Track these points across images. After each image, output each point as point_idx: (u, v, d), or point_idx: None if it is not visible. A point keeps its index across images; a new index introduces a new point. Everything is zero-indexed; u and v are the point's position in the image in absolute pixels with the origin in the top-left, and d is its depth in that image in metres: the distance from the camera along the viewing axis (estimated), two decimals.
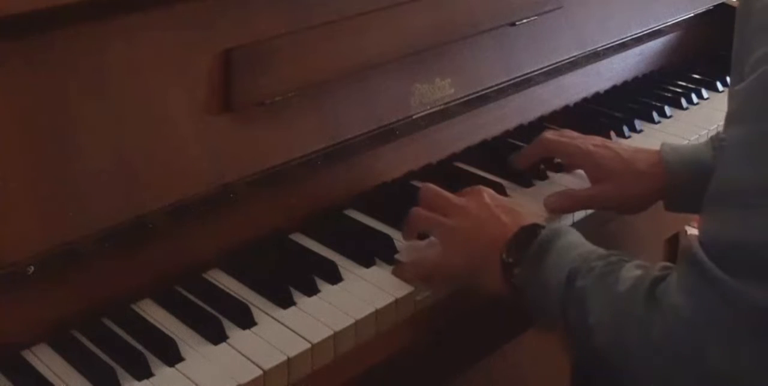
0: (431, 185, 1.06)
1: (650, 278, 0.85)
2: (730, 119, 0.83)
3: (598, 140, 1.18)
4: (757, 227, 0.76)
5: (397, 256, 1.04)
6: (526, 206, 1.09)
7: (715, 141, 1.13)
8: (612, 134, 1.34)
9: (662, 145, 1.16)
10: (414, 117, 1.20)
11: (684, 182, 1.11)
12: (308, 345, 0.91)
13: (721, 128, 1.41)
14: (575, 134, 1.19)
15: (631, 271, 0.87)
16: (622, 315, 0.85)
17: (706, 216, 0.82)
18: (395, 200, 1.16)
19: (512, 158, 1.22)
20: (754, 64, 0.79)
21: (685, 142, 1.35)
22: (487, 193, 1.03)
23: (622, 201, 1.13)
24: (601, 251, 0.93)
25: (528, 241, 0.94)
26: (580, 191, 1.16)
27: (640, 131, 1.39)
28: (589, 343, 0.88)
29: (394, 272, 1.01)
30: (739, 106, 0.82)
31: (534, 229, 0.95)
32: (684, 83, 1.56)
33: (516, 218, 0.98)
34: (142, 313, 0.96)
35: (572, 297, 0.89)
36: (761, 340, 0.76)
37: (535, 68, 1.36)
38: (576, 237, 0.95)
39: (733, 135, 0.81)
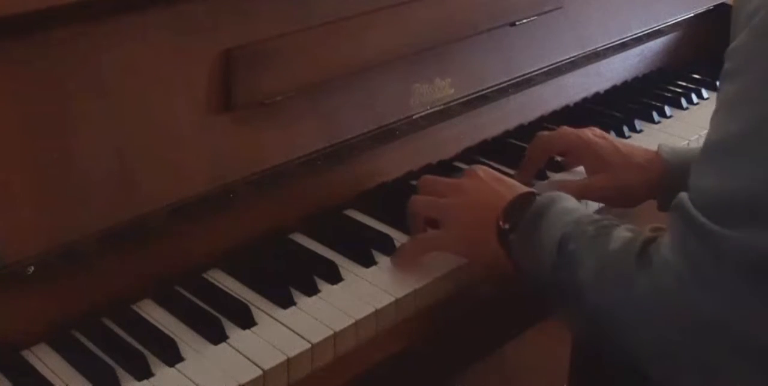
0: (428, 175, 1.08)
1: (642, 238, 0.85)
2: (722, 77, 0.83)
3: (597, 131, 1.19)
4: (742, 175, 0.77)
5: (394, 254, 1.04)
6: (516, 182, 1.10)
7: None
8: (612, 134, 1.34)
9: (660, 145, 1.16)
10: (414, 117, 1.21)
11: (679, 182, 1.11)
12: (308, 345, 0.91)
13: None
14: (570, 129, 1.20)
15: (622, 233, 0.88)
16: (611, 272, 0.85)
17: (695, 171, 0.83)
18: (395, 200, 1.16)
19: (518, 173, 1.23)
20: (744, 21, 0.80)
21: (685, 142, 1.36)
22: (482, 169, 1.05)
23: (616, 192, 1.14)
24: (594, 216, 0.93)
25: (523, 207, 0.95)
26: (574, 182, 1.16)
27: (640, 131, 1.39)
28: (579, 304, 0.88)
29: (394, 260, 1.02)
30: (730, 64, 0.82)
31: (529, 196, 0.96)
32: (684, 83, 1.56)
33: (511, 187, 1.00)
34: (142, 313, 0.96)
35: (564, 260, 0.89)
36: (749, 287, 0.76)
37: (535, 68, 1.36)
38: (571, 203, 0.96)
39: (722, 92, 0.82)
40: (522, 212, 0.95)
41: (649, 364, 0.84)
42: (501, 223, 0.95)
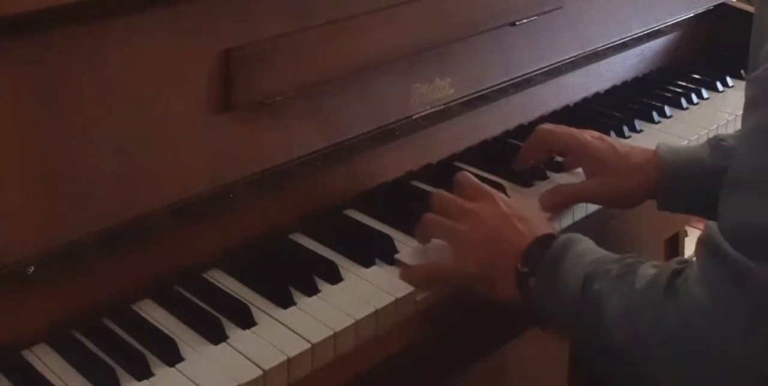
0: (443, 192, 1.05)
1: (669, 271, 0.84)
2: (747, 105, 0.83)
3: (594, 133, 1.18)
4: None
5: (397, 256, 1.04)
6: (535, 208, 1.09)
7: (713, 142, 1.13)
8: (612, 134, 1.34)
9: (659, 144, 1.16)
10: (414, 117, 1.21)
11: (679, 181, 1.11)
12: (308, 345, 0.91)
13: (720, 129, 1.42)
14: (571, 128, 1.20)
15: (648, 269, 0.87)
16: (639, 308, 0.84)
17: (725, 202, 0.82)
18: (395, 200, 1.16)
19: (514, 161, 1.23)
20: None
21: (685, 142, 1.36)
22: (501, 199, 1.02)
23: (613, 195, 1.14)
24: (615, 255, 0.93)
25: (542, 251, 0.94)
26: (570, 186, 1.16)
27: (640, 131, 1.39)
28: (606, 342, 0.87)
29: (402, 276, 1.01)
30: (755, 92, 0.82)
31: (548, 239, 0.95)
32: (684, 83, 1.56)
33: (531, 227, 0.98)
34: (142, 313, 0.96)
35: (589, 300, 0.88)
36: None
37: (535, 68, 1.36)
38: (589, 244, 0.95)
39: (750, 121, 0.81)
40: (541, 255, 0.93)
41: None
42: (519, 266, 0.94)
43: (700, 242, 0.82)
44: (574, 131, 1.18)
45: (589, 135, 1.17)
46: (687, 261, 0.86)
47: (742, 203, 0.79)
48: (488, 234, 0.98)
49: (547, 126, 1.20)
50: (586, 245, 0.94)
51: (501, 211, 0.99)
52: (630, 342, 0.85)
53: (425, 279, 1.00)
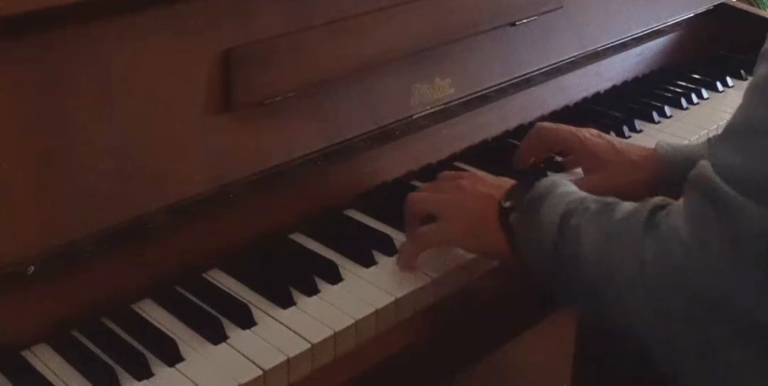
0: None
1: (649, 206, 0.85)
2: (761, 57, 0.83)
3: (593, 130, 1.19)
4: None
5: (398, 256, 1.04)
6: None
7: (712, 140, 1.13)
8: (612, 134, 1.34)
9: (658, 142, 1.16)
10: (414, 117, 1.21)
11: (677, 178, 1.11)
12: (308, 345, 0.91)
13: (720, 129, 1.42)
14: (569, 126, 1.21)
15: (628, 206, 0.88)
16: (616, 240, 0.84)
17: (718, 147, 0.81)
18: (395, 200, 1.16)
19: (515, 160, 1.23)
20: None
21: (685, 142, 1.35)
22: (480, 174, 1.06)
23: (611, 191, 1.13)
24: (596, 196, 0.93)
25: (526, 189, 0.95)
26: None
27: (640, 131, 1.39)
28: (581, 278, 0.87)
29: (399, 263, 1.02)
30: None
31: (532, 181, 0.96)
32: (684, 83, 1.56)
33: (510, 182, 1.00)
34: (142, 313, 0.96)
35: (566, 234, 0.89)
36: (760, 264, 0.74)
37: (535, 68, 1.36)
38: (572, 188, 0.96)
39: (757, 72, 0.82)
40: (524, 193, 0.95)
41: (650, 343, 0.82)
42: (502, 202, 0.96)
43: (689, 179, 0.81)
44: (572, 128, 1.19)
45: (588, 133, 1.18)
46: (669, 201, 0.86)
47: (734, 151, 0.78)
48: (473, 196, 1.00)
49: (546, 124, 1.21)
50: (569, 188, 0.95)
51: (481, 178, 1.03)
52: (605, 274, 0.84)
53: (417, 250, 1.01)
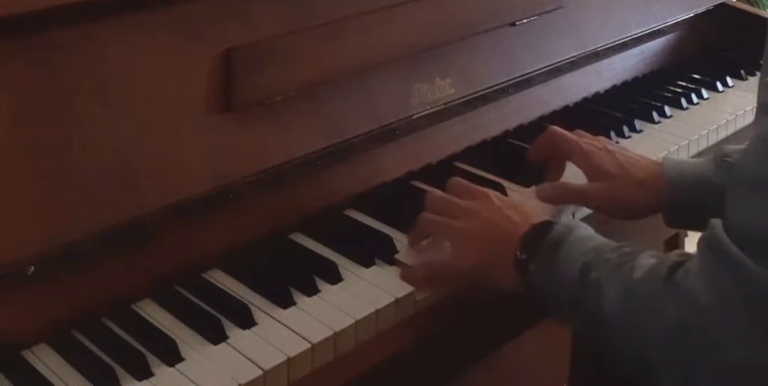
0: (437, 191, 1.06)
1: (668, 264, 0.84)
2: (761, 109, 0.82)
3: (601, 142, 1.17)
4: None
5: (397, 256, 1.04)
6: (532, 204, 1.09)
7: (718, 159, 1.12)
8: (612, 134, 1.34)
9: (665, 159, 1.14)
10: (414, 117, 1.21)
11: (684, 198, 1.10)
12: (308, 345, 0.91)
13: (720, 129, 1.42)
14: (584, 133, 1.19)
15: (646, 259, 0.87)
16: (637, 301, 0.84)
17: (732, 203, 0.81)
18: (395, 200, 1.16)
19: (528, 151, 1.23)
20: None
21: (685, 142, 1.36)
22: (494, 195, 1.03)
23: (614, 204, 1.13)
24: (613, 243, 0.92)
25: (541, 237, 0.94)
26: (573, 185, 1.15)
27: (640, 131, 1.39)
28: (604, 333, 0.87)
29: (402, 276, 1.01)
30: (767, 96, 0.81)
31: (546, 225, 0.95)
32: (684, 83, 1.56)
33: (526, 216, 0.98)
34: (142, 313, 0.96)
35: (586, 289, 0.88)
36: None
37: (535, 68, 1.36)
38: (588, 231, 0.95)
39: (763, 125, 0.80)
40: (539, 242, 0.93)
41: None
42: (518, 253, 0.94)
43: (703, 239, 0.82)
44: (580, 141, 1.16)
45: (594, 146, 1.16)
46: (687, 254, 0.86)
47: (750, 207, 0.79)
48: (485, 227, 0.98)
49: (558, 130, 1.19)
50: (584, 232, 0.94)
51: (495, 205, 1.00)
52: (628, 333, 0.85)
53: (426, 278, 1.00)
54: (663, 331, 0.82)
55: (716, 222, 0.81)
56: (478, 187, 1.05)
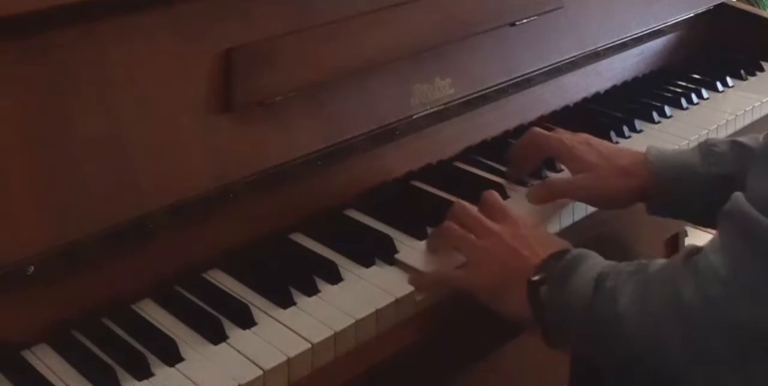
0: (465, 203, 1.05)
1: (684, 252, 0.85)
2: None
3: (583, 137, 1.18)
4: None
5: (397, 256, 1.04)
6: (554, 236, 1.08)
7: (704, 147, 1.13)
8: (612, 134, 1.34)
9: (648, 147, 1.15)
10: (414, 117, 1.21)
11: (668, 187, 1.10)
12: (308, 345, 0.91)
13: (720, 129, 1.42)
14: (564, 131, 1.21)
15: (662, 260, 0.88)
16: (653, 290, 0.84)
17: (756, 174, 0.81)
18: (395, 200, 1.16)
19: (508, 169, 1.23)
20: None
21: (685, 142, 1.36)
22: (523, 223, 1.02)
23: (599, 193, 1.13)
24: (630, 261, 0.92)
25: (556, 261, 0.94)
26: (558, 180, 1.16)
27: (640, 131, 1.39)
28: (617, 334, 0.87)
29: (411, 281, 1.01)
30: None
31: (563, 252, 0.95)
32: (684, 83, 1.56)
33: (546, 245, 0.98)
34: (142, 313, 0.96)
35: (601, 297, 0.88)
36: None
37: (535, 68, 1.36)
38: (601, 259, 0.95)
39: None
40: (554, 265, 0.93)
41: (690, 380, 0.82)
42: (532, 276, 0.94)
43: (724, 213, 0.81)
44: (562, 137, 1.17)
45: (576, 141, 1.17)
46: (700, 247, 0.86)
47: None
48: (506, 252, 0.98)
49: (538, 130, 1.20)
50: (599, 260, 0.94)
51: (521, 233, 1.00)
52: (642, 326, 0.84)
53: (433, 286, 1.01)
54: (677, 309, 0.81)
55: (738, 195, 0.80)
56: (511, 211, 1.04)
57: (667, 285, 0.84)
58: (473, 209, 1.05)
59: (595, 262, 0.93)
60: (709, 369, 0.81)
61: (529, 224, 1.03)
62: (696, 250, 0.85)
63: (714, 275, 0.79)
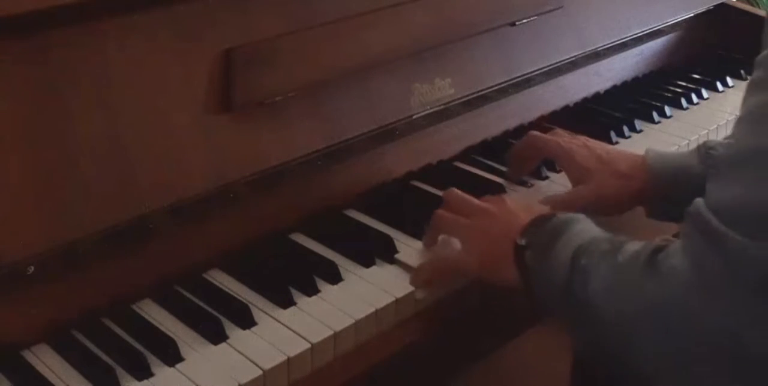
0: (455, 190, 1.06)
1: (651, 247, 0.85)
2: (750, 87, 0.82)
3: (581, 140, 1.18)
4: None
5: (397, 256, 1.04)
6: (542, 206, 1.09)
7: (702, 150, 1.13)
8: (612, 134, 1.34)
9: (647, 150, 1.15)
10: (414, 117, 1.21)
11: (667, 190, 1.10)
12: (308, 345, 0.91)
13: (720, 129, 1.42)
14: (562, 132, 1.20)
15: (634, 246, 0.88)
16: (620, 282, 0.85)
17: (717, 180, 0.81)
18: (395, 200, 1.16)
19: (508, 170, 1.24)
20: None
21: (685, 142, 1.36)
22: (510, 199, 1.04)
23: (599, 201, 1.13)
24: (609, 235, 0.93)
25: (541, 226, 0.94)
26: (557, 197, 1.16)
27: (640, 131, 1.39)
28: (589, 317, 0.87)
29: (412, 280, 1.01)
30: (759, 74, 0.81)
31: (548, 216, 0.96)
32: (684, 83, 1.56)
33: (534, 213, 0.98)
34: (142, 313, 0.96)
35: (576, 275, 0.88)
36: (758, 299, 0.74)
37: (535, 68, 1.36)
38: (588, 225, 0.95)
39: (751, 101, 0.81)
40: (539, 230, 0.94)
41: (654, 376, 0.83)
42: (518, 239, 0.94)
43: (685, 217, 0.82)
44: (560, 140, 1.18)
45: (575, 144, 1.17)
46: (670, 239, 0.86)
47: (735, 181, 0.79)
48: (495, 223, 0.99)
49: (537, 134, 1.20)
50: (585, 225, 0.94)
51: (509, 207, 1.01)
52: (611, 317, 0.85)
53: (433, 275, 1.01)
54: (641, 309, 0.82)
55: (699, 200, 0.81)
56: (500, 196, 1.06)
57: (633, 279, 0.84)
58: (461, 193, 1.06)
59: (581, 228, 0.93)
60: (673, 372, 0.81)
61: (516, 200, 1.04)
62: (662, 246, 0.85)
63: (675, 279, 0.79)
